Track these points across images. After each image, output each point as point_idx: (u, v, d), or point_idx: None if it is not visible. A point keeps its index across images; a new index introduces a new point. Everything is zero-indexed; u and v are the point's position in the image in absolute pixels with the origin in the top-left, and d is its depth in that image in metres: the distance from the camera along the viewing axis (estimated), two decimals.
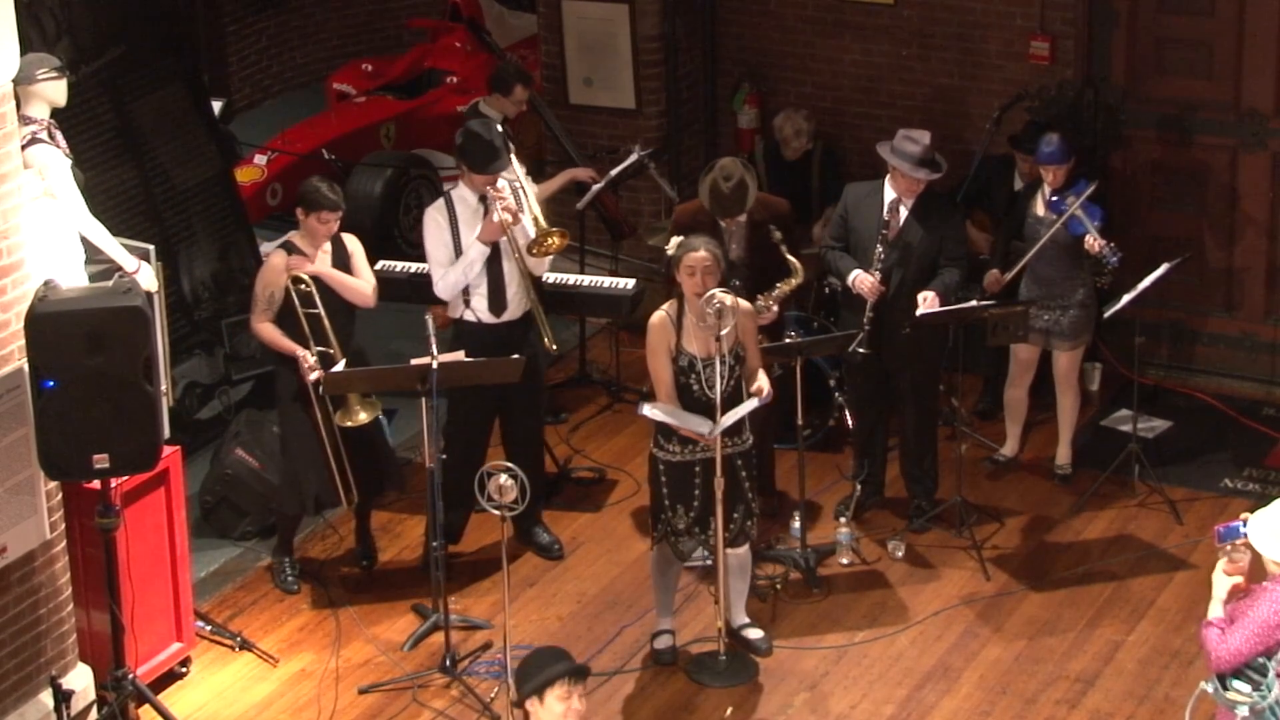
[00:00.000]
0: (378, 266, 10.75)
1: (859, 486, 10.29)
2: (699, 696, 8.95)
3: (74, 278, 8.41)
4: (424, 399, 8.92)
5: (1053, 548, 10.01)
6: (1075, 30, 11.51)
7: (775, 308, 9.68)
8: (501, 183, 9.51)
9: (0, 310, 7.97)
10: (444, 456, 9.03)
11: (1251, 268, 11.38)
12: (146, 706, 8.68)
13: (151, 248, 9.03)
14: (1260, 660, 6.88)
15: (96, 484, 8.25)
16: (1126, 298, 10.19)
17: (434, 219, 9.56)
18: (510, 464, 8.52)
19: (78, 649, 8.55)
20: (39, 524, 8.16)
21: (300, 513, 9.71)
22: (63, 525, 8.39)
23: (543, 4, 12.88)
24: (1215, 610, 6.94)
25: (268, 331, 9.38)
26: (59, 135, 8.66)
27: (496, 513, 8.48)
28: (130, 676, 8.54)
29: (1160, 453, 10.71)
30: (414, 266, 10.79)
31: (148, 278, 8.69)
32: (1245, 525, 6.94)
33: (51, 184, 8.47)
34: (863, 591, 9.69)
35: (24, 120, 8.39)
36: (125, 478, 8.41)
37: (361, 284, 9.49)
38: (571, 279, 10.64)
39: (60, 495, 8.36)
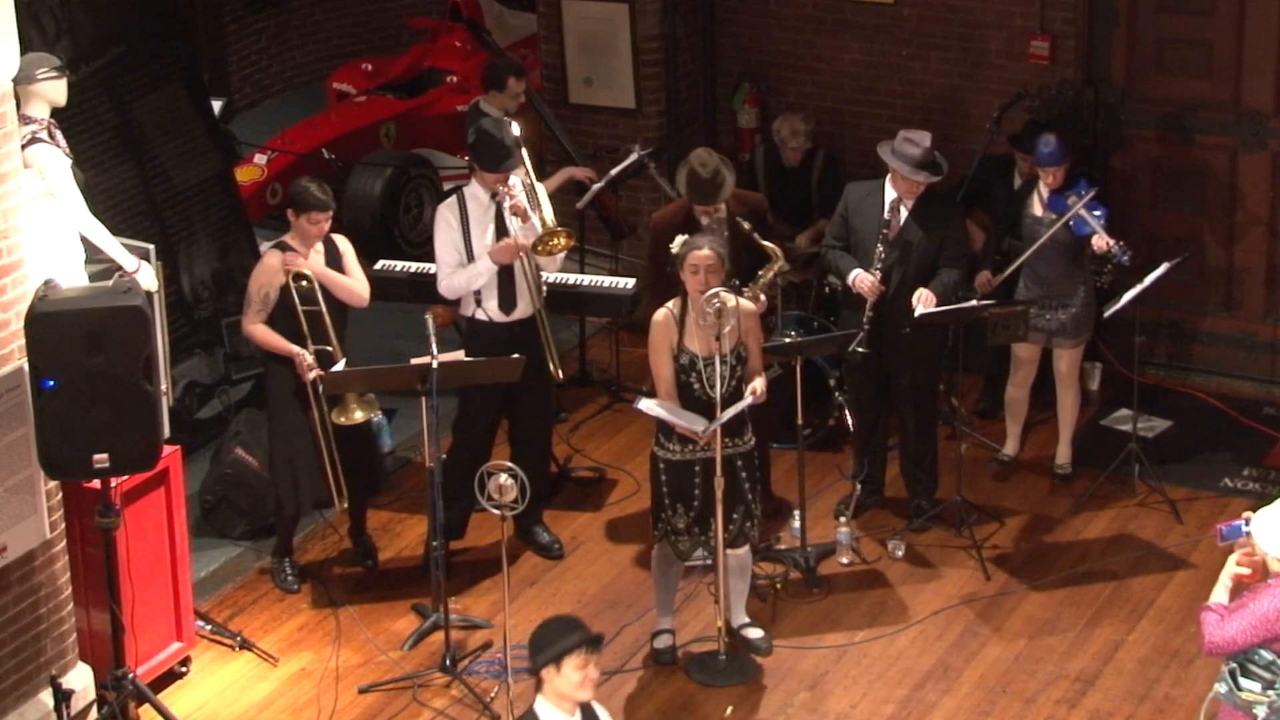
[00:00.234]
0: (377, 266, 10.77)
1: (859, 486, 10.29)
2: (699, 696, 8.95)
3: (74, 277, 8.41)
4: (424, 399, 8.92)
5: (1053, 547, 10.01)
6: (1075, 30, 11.51)
7: (763, 297, 9.69)
8: (514, 179, 9.53)
9: (0, 310, 7.97)
10: (444, 456, 9.03)
11: (1251, 267, 11.38)
12: (146, 706, 8.69)
13: (151, 247, 9.03)
14: (1270, 658, 6.89)
15: (96, 484, 8.25)
16: (1127, 297, 10.19)
17: (445, 218, 9.57)
18: (510, 464, 8.54)
19: (78, 648, 8.55)
20: (39, 524, 8.16)
21: (295, 513, 9.69)
22: (63, 525, 8.39)
23: (543, 4, 12.88)
24: (1218, 595, 6.97)
25: (261, 332, 9.37)
26: (59, 135, 8.66)
27: (496, 512, 8.49)
28: (130, 676, 8.55)
29: (1160, 452, 10.72)
30: (414, 266, 10.80)
31: (148, 277, 8.69)
32: (1248, 524, 6.95)
33: (51, 183, 8.47)
34: (863, 591, 9.69)
35: (24, 120, 8.39)
36: (125, 477, 8.41)
37: (354, 283, 9.48)
38: (571, 279, 10.64)
39: (60, 495, 8.36)
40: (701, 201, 9.60)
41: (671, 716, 8.82)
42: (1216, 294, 11.50)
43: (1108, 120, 11.50)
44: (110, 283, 8.07)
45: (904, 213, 9.80)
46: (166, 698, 8.89)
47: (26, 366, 7.94)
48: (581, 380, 11.65)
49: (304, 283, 9.30)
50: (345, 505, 9.64)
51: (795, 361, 9.54)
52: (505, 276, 9.55)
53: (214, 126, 11.40)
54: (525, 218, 9.47)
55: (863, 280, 9.77)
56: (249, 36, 15.35)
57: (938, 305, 9.66)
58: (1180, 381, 11.52)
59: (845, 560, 9.90)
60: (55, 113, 8.69)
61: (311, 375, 9.29)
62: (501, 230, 9.52)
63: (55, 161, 8.50)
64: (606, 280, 10.70)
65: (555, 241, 9.51)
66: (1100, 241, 9.97)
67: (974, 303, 9.83)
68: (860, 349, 9.73)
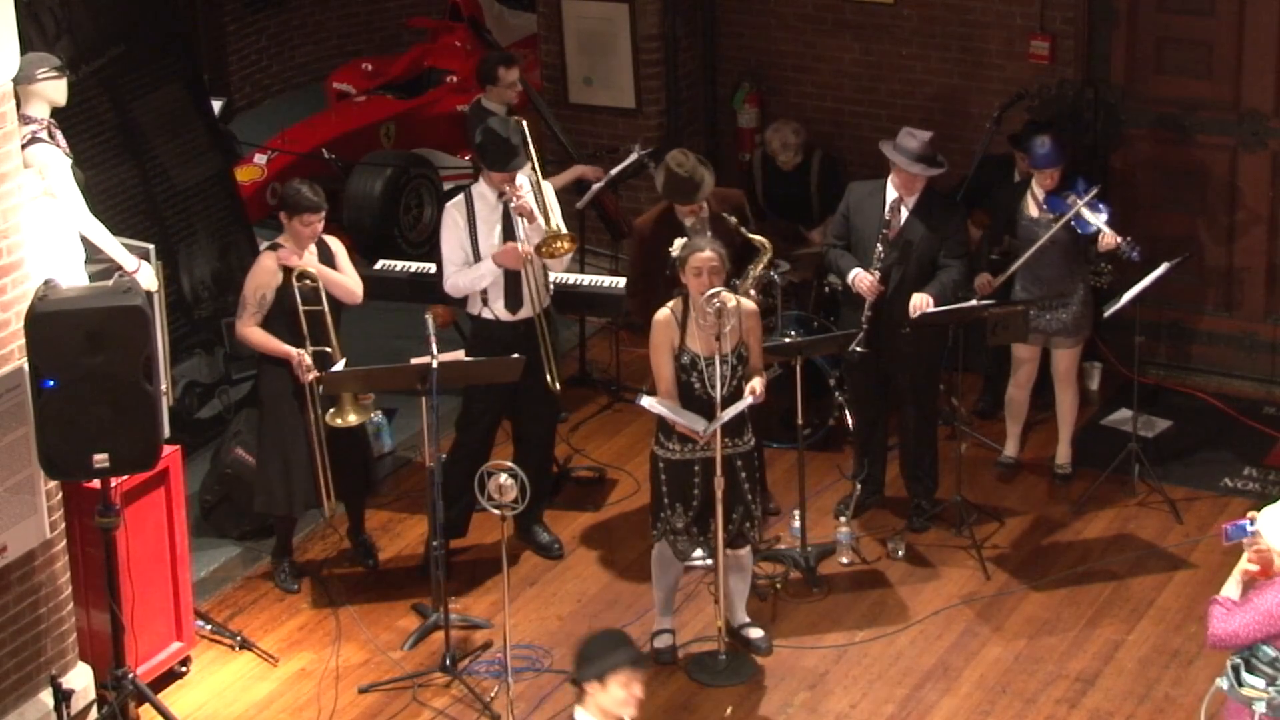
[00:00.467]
0: (377, 266, 10.79)
1: (859, 486, 10.29)
2: (699, 696, 8.95)
3: (74, 277, 8.41)
4: (424, 399, 8.92)
5: (1053, 547, 10.01)
6: (1075, 30, 11.51)
7: (754, 291, 9.69)
8: (521, 179, 9.54)
9: (0, 310, 7.97)
10: (444, 456, 9.03)
11: (1251, 267, 11.38)
12: (146, 706, 8.69)
13: (151, 247, 9.03)
14: (1273, 655, 6.91)
15: (96, 483, 8.25)
16: (1126, 297, 10.19)
17: (452, 217, 9.58)
18: (510, 464, 8.54)
19: (78, 648, 8.55)
20: (39, 523, 8.16)
21: (286, 514, 9.67)
22: (63, 525, 8.39)
23: (542, 3, 12.88)
24: (1229, 590, 7.01)
25: (258, 335, 9.37)
26: (59, 134, 8.66)
27: (497, 512, 8.49)
28: (130, 676, 8.55)
29: (1160, 452, 10.71)
30: (414, 266, 10.80)
31: (148, 277, 8.69)
32: (1253, 524, 6.97)
33: (51, 183, 8.47)
34: (863, 591, 9.69)
35: (24, 120, 8.39)
36: (125, 477, 8.41)
37: (349, 280, 9.47)
38: (571, 279, 10.64)
39: (60, 495, 8.36)
40: (682, 201, 9.60)
41: (671, 716, 8.82)
42: (1216, 294, 11.50)
43: (1108, 120, 11.50)
44: (110, 283, 8.07)
45: (904, 212, 9.80)
46: (166, 698, 8.89)
47: (26, 366, 7.94)
48: (581, 380, 11.65)
49: (308, 282, 9.30)
50: (334, 509, 9.63)
51: (795, 361, 9.55)
52: (512, 276, 9.56)
53: (214, 126, 11.40)
54: (531, 218, 9.47)
55: (862, 279, 9.78)
56: (249, 36, 15.35)
57: (937, 306, 9.66)
58: (1180, 381, 11.51)
59: (845, 560, 9.91)
60: (55, 112, 8.69)
61: (310, 376, 9.29)
62: (508, 230, 9.53)
63: (55, 161, 8.50)
64: (606, 280, 10.70)
65: (559, 245, 9.51)
66: (1109, 239, 9.98)
67: (974, 303, 9.82)
68: (859, 348, 9.73)
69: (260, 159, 13.07)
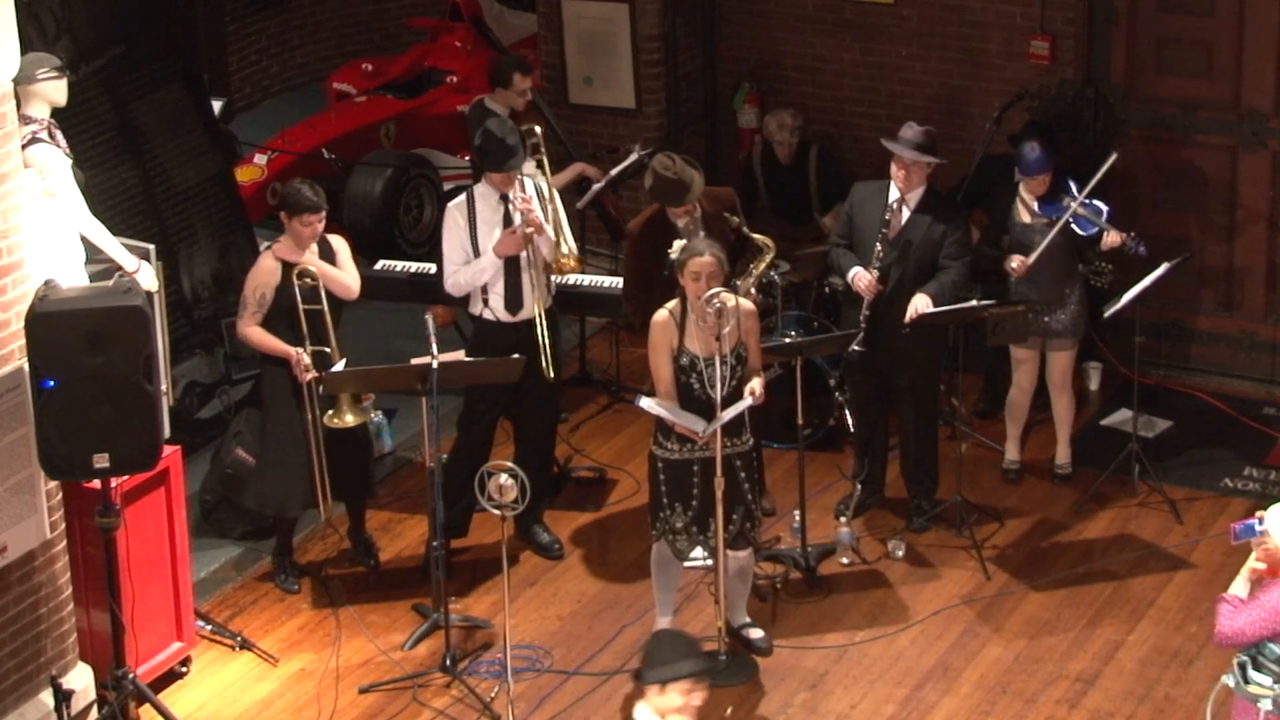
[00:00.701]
0: (377, 266, 10.78)
1: (859, 486, 10.29)
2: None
3: (74, 277, 8.41)
4: (424, 399, 8.92)
5: (1053, 547, 10.01)
6: (1075, 30, 11.51)
7: (754, 290, 9.68)
8: (530, 190, 9.54)
9: (0, 310, 7.97)
10: (444, 456, 9.03)
11: (1251, 267, 11.38)
12: (147, 706, 8.68)
13: (152, 247, 9.03)
14: (1279, 652, 6.93)
15: (96, 483, 8.25)
16: (1126, 297, 10.19)
17: (454, 217, 9.59)
18: (510, 464, 8.54)
19: (78, 648, 8.55)
20: (39, 524, 8.16)
21: (284, 514, 9.68)
22: (63, 525, 8.39)
23: (543, 3, 12.88)
24: (1237, 588, 7.03)
25: (258, 335, 9.37)
26: (59, 135, 8.66)
27: (497, 512, 8.49)
28: (130, 676, 8.55)
29: (1160, 452, 10.71)
30: (414, 266, 10.81)
31: (148, 277, 8.69)
32: (1261, 523, 6.99)
33: (51, 183, 8.47)
34: (863, 591, 9.69)
35: (24, 120, 8.39)
36: (125, 477, 8.41)
37: (345, 275, 9.46)
38: (572, 279, 10.63)
39: (60, 495, 8.36)
40: (671, 203, 9.61)
41: None
42: (1216, 294, 11.50)
43: (1108, 120, 11.50)
44: (110, 283, 8.07)
45: (906, 212, 9.80)
46: (167, 698, 8.89)
47: (27, 366, 7.94)
48: (581, 380, 11.65)
49: (308, 280, 9.30)
50: (330, 510, 9.63)
51: (795, 361, 9.55)
52: (512, 276, 9.55)
53: (214, 127, 11.40)
54: (541, 231, 9.49)
55: (860, 278, 9.78)
56: (249, 36, 15.35)
57: (936, 306, 9.65)
58: (1180, 381, 11.51)
59: (845, 560, 9.90)
60: (55, 113, 8.69)
61: (308, 376, 9.29)
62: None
63: (55, 161, 8.50)
64: (606, 280, 10.70)
65: (564, 262, 9.60)
66: (1113, 237, 9.99)
67: (973, 303, 9.82)
68: (856, 347, 9.73)
69: (260, 159, 13.07)
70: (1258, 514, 7.07)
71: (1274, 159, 11.19)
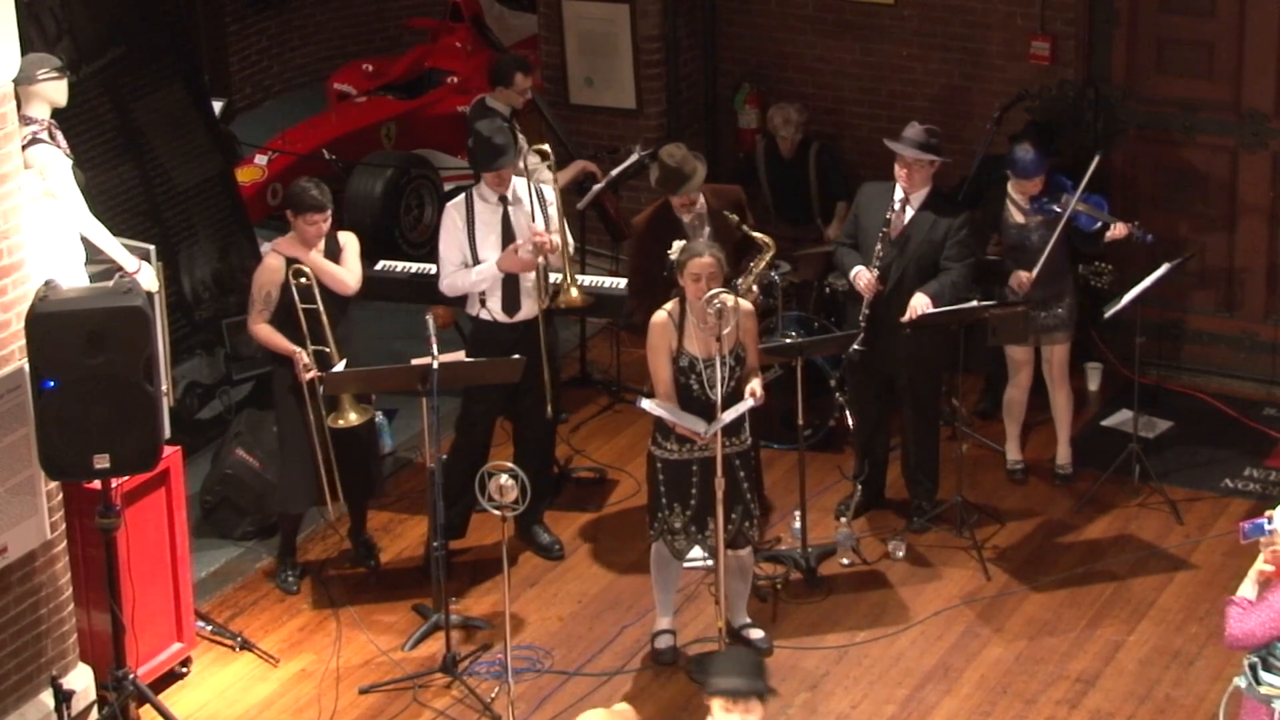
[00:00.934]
0: (377, 266, 10.78)
1: (859, 486, 10.29)
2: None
3: (74, 278, 8.41)
4: (424, 399, 8.92)
5: (1053, 548, 10.01)
6: (1076, 30, 11.51)
7: (756, 289, 9.68)
8: (537, 221, 9.51)
9: (0, 310, 7.97)
10: (444, 457, 9.03)
11: (1251, 268, 11.38)
12: (147, 706, 8.68)
13: (152, 248, 9.04)
14: None
15: (97, 484, 8.25)
16: (1127, 297, 10.19)
17: (452, 218, 9.60)
18: (510, 464, 8.54)
19: (78, 649, 8.55)
20: (39, 524, 8.16)
21: (302, 512, 9.71)
22: (63, 525, 8.39)
23: (543, 4, 12.89)
24: (1245, 590, 7.04)
25: (265, 332, 9.39)
26: (59, 135, 8.66)
27: (497, 513, 8.49)
28: (131, 676, 8.54)
29: (1160, 453, 10.71)
30: (414, 266, 10.81)
31: (148, 278, 8.69)
32: (1270, 522, 6.99)
33: (52, 184, 8.47)
34: (863, 591, 9.69)
35: (24, 120, 8.39)
36: (126, 478, 8.41)
37: (342, 271, 9.45)
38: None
39: (61, 495, 8.36)
40: (674, 190, 9.62)
41: (672, 717, 8.82)
42: (1216, 294, 11.49)
43: (1108, 120, 11.51)
44: (111, 283, 8.07)
45: (909, 212, 9.81)
46: (167, 698, 8.89)
47: (27, 367, 7.94)
48: (582, 381, 11.64)
49: (303, 279, 9.30)
50: (338, 510, 9.63)
51: (795, 362, 9.55)
52: (509, 278, 9.57)
53: (214, 127, 11.40)
54: (553, 250, 9.52)
55: (860, 277, 9.79)
56: (250, 37, 15.35)
57: (936, 306, 9.66)
58: (1180, 382, 11.51)
59: (846, 561, 9.90)
60: (56, 113, 8.69)
61: (308, 376, 9.29)
62: (508, 234, 9.55)
63: (56, 162, 8.50)
64: (606, 281, 10.70)
65: (566, 294, 9.65)
66: (1119, 228, 10.00)
67: (973, 303, 9.82)
68: (857, 347, 9.73)
69: (261, 160, 13.07)
70: (1266, 513, 7.06)
71: (1274, 159, 11.19)
